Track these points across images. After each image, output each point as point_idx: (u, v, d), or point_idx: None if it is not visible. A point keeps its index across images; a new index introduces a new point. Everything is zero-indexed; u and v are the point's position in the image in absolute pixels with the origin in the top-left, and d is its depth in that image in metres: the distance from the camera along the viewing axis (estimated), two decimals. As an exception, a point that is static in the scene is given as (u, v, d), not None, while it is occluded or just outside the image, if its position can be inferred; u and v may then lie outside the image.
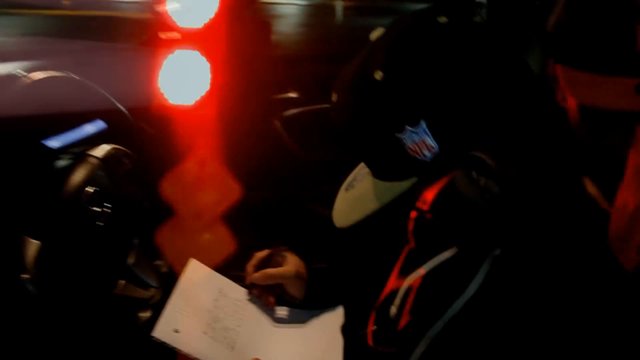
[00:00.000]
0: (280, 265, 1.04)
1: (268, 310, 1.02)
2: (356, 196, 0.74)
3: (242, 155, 2.01)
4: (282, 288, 1.02)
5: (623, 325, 0.56)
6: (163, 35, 1.35)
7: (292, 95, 2.04)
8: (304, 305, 1.02)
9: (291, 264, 1.05)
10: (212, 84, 1.64)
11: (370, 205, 0.70)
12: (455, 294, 0.65)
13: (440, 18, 0.63)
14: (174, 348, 0.88)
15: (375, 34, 0.69)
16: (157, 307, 1.00)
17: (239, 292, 1.04)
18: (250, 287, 1.02)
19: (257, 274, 1.02)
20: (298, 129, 1.94)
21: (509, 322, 0.61)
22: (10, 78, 1.01)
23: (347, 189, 0.78)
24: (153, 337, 0.87)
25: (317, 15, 18.05)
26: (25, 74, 0.99)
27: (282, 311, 1.04)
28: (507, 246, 0.63)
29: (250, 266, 1.04)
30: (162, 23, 1.33)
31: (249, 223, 1.64)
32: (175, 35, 1.34)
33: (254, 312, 1.01)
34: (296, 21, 16.84)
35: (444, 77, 0.61)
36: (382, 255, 0.82)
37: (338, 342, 0.94)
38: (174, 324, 0.91)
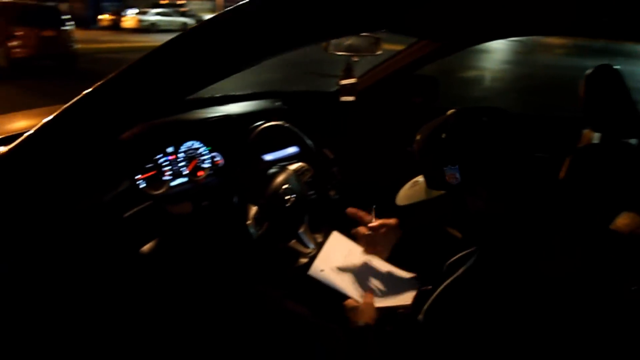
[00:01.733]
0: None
1: (373, 264, 1.57)
2: (415, 191, 1.26)
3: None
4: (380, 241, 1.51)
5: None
6: (343, 99, 2.10)
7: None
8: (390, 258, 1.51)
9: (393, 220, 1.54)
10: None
11: (420, 197, 1.23)
12: (460, 265, 1.24)
13: (483, 117, 1.14)
14: (320, 281, 1.47)
15: (450, 112, 1.18)
16: (312, 259, 1.63)
17: (360, 251, 1.59)
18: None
19: (373, 223, 1.53)
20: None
21: (480, 283, 1.14)
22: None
23: (411, 186, 1.30)
24: (308, 274, 1.50)
25: (525, 53, 17.63)
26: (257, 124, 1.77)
27: (381, 263, 1.58)
28: (485, 245, 1.20)
29: (367, 219, 1.56)
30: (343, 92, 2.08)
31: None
32: (350, 99, 2.07)
33: (366, 267, 1.56)
34: (501, 57, 16.71)
35: (475, 148, 1.10)
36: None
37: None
38: (321, 266, 1.51)
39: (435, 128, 1.17)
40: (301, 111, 2.36)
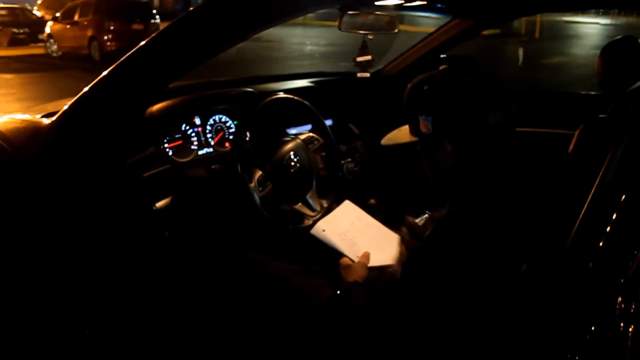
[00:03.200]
0: None
1: (377, 230, 1.68)
2: (400, 133, 1.35)
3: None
4: None
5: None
6: (359, 75, 2.21)
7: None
8: None
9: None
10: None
11: (402, 140, 1.32)
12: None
13: (465, 78, 1.19)
14: (320, 240, 1.59)
15: (441, 67, 1.24)
16: (315, 221, 1.75)
17: (369, 220, 1.71)
18: None
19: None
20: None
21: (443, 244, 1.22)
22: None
23: (398, 130, 1.39)
24: (310, 233, 1.62)
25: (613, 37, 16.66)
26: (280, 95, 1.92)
27: (385, 229, 1.69)
28: (453, 206, 1.31)
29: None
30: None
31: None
32: (365, 75, 2.18)
33: (370, 233, 1.66)
34: (592, 43, 15.89)
35: (448, 103, 1.18)
36: None
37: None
38: (323, 227, 1.62)
39: (421, 80, 1.27)
40: (329, 89, 2.50)
